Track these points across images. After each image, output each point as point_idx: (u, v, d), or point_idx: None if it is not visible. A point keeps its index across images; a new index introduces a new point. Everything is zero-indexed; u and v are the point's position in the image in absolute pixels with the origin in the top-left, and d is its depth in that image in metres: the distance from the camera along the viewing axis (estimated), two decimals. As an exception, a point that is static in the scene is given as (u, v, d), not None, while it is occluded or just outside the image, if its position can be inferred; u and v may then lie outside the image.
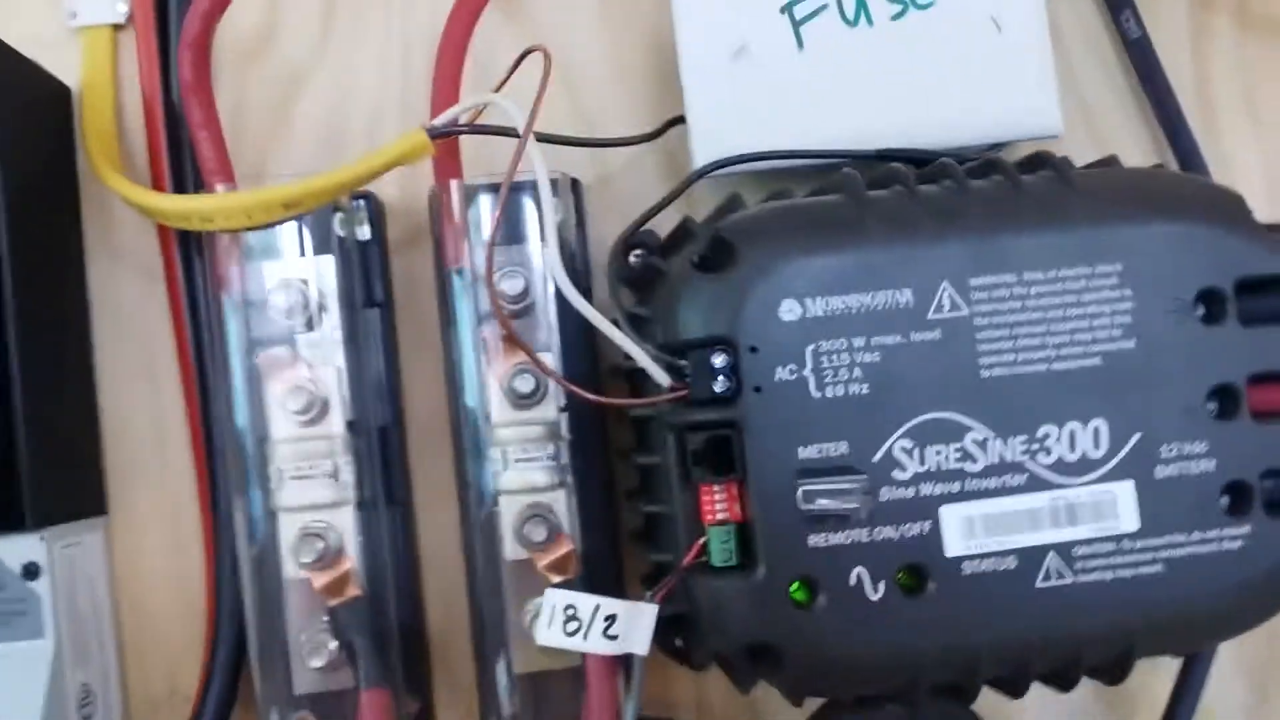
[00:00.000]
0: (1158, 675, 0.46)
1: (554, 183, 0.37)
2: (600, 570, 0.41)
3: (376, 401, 0.43)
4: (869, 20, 0.43)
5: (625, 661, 0.43)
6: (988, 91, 0.42)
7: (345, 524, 0.41)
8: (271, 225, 0.40)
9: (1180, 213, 0.37)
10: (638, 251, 0.40)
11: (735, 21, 0.42)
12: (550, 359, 0.41)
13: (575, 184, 0.44)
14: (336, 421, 0.41)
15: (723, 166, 0.41)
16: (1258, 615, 0.37)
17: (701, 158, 0.42)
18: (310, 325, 0.41)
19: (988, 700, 0.39)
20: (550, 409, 0.41)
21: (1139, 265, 0.36)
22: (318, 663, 0.39)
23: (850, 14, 0.43)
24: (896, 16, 0.42)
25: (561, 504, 0.41)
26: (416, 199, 0.46)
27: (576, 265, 0.43)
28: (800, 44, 0.42)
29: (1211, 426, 0.36)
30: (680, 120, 0.43)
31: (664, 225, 0.41)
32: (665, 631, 0.44)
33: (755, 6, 0.43)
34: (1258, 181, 0.49)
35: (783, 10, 0.43)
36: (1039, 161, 0.38)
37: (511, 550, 0.41)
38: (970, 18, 0.43)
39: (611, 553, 0.43)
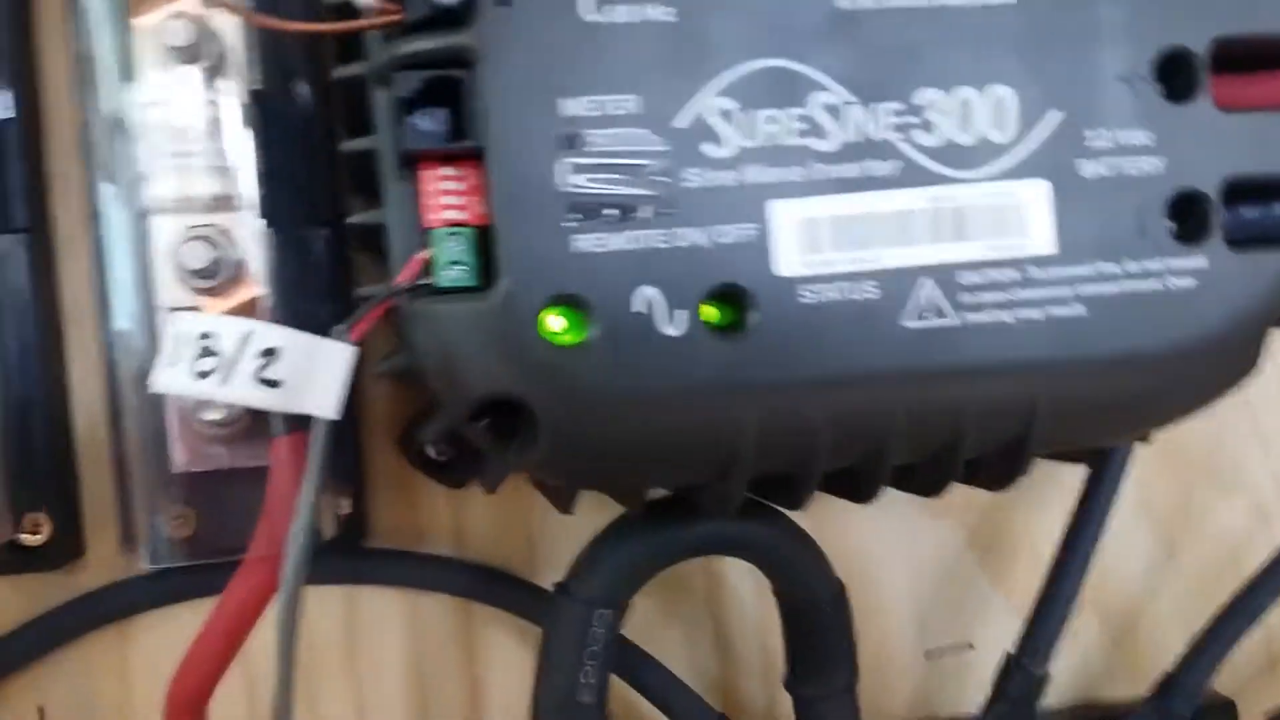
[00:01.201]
0: (1040, 516, 0.36)
1: None
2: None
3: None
4: None
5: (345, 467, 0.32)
6: None
7: (-87, 244, 0.28)
8: None
9: None
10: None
11: None
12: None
13: None
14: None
15: None
16: (1207, 388, 0.27)
17: None
18: None
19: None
20: (227, 79, 0.28)
21: None
22: None
23: None
24: None
25: (243, 228, 0.28)
26: None
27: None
28: None
29: (1159, 110, 0.25)
30: None
31: None
32: (411, 436, 0.33)
33: None
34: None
35: None
36: None
37: (167, 292, 0.28)
38: None
39: (328, 313, 0.30)
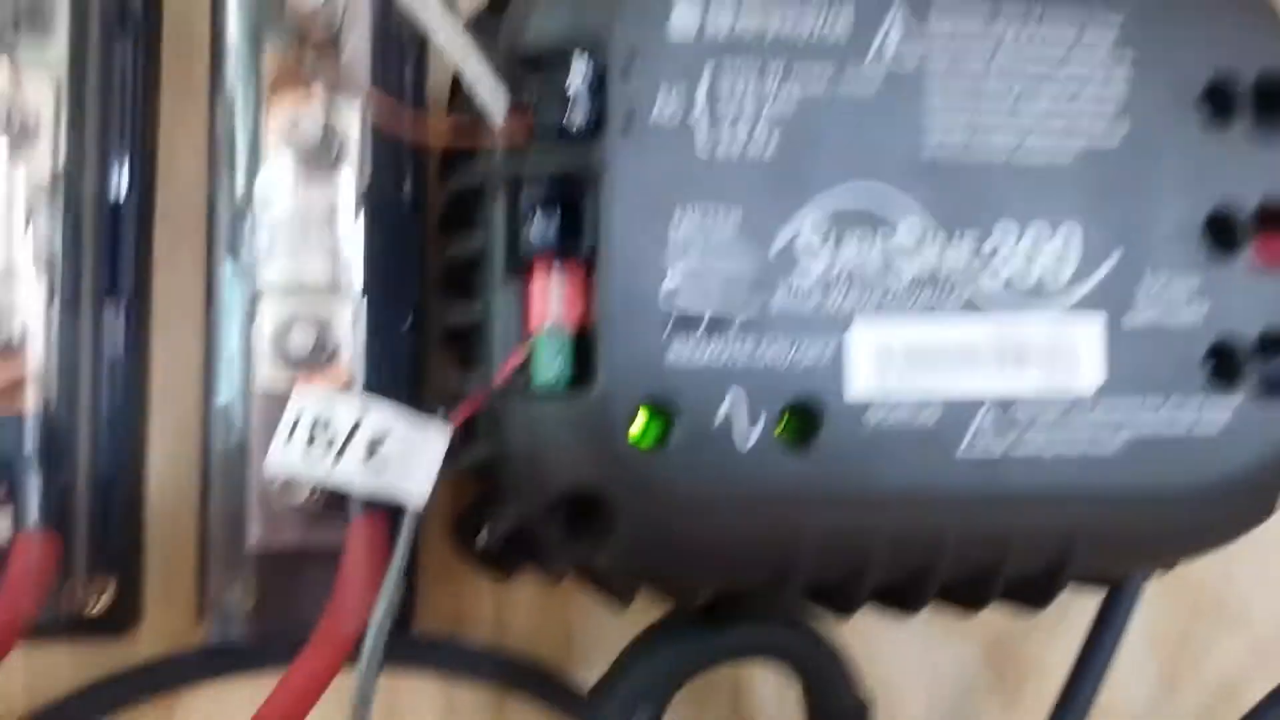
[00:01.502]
0: (1054, 642, 0.38)
1: None
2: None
3: (113, 161, 0.31)
4: None
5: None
6: None
7: (30, 308, 0.29)
8: None
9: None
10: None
11: None
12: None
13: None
14: (42, 159, 0.29)
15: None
16: (1230, 526, 0.29)
17: None
18: (18, 25, 0.29)
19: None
20: (346, 174, 0.30)
21: (1142, 29, 0.28)
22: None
23: None
24: None
25: (343, 314, 0.30)
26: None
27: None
28: None
29: (1206, 261, 0.28)
30: None
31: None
32: (464, 525, 0.34)
33: None
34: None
35: None
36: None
37: (268, 373, 0.30)
38: None
39: (411, 400, 0.32)
